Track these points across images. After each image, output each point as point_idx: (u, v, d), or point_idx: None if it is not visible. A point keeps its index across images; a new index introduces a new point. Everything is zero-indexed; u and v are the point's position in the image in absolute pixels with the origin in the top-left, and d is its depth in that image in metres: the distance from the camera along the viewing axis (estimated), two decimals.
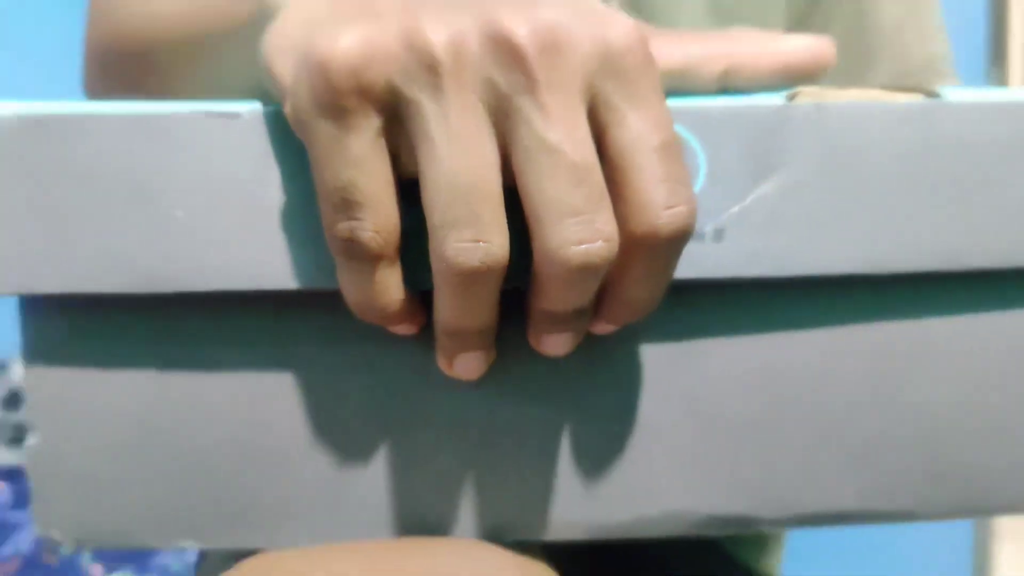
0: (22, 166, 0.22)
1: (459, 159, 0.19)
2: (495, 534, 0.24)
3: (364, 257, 0.20)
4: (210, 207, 0.22)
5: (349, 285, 0.21)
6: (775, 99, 0.23)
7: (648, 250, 0.20)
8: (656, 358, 0.24)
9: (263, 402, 0.24)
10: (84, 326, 0.23)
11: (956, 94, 0.23)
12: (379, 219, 0.20)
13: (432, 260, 0.20)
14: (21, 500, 1.62)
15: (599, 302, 0.21)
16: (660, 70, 0.23)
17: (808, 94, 0.23)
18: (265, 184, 0.22)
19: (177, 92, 0.34)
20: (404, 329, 0.22)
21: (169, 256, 0.22)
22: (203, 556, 0.46)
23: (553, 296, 0.20)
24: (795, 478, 0.24)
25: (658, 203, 0.19)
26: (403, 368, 0.24)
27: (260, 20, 0.24)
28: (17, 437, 1.88)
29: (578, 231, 0.19)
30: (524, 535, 0.25)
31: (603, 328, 0.22)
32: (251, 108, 0.22)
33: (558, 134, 0.19)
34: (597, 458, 0.24)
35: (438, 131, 0.19)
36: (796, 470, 0.24)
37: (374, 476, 0.24)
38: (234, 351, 0.23)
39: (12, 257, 0.22)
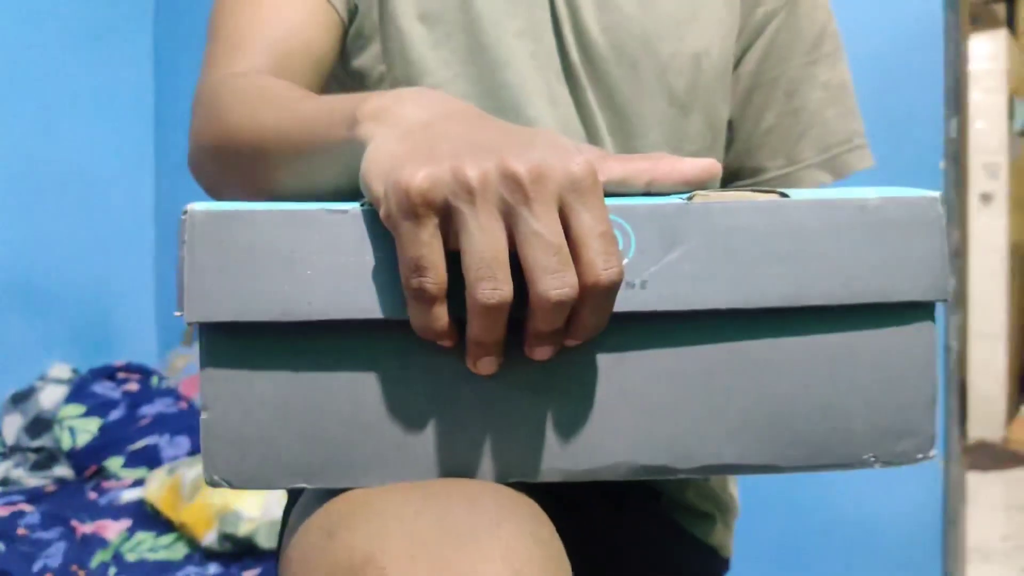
0: (210, 242, 0.35)
1: (484, 242, 0.32)
2: (502, 477, 0.37)
3: (426, 299, 0.33)
4: (326, 267, 0.35)
5: (415, 316, 0.34)
6: (679, 199, 0.36)
7: (594, 293, 0.33)
8: (604, 361, 0.37)
9: (357, 390, 0.37)
10: (242, 341, 0.36)
11: (799, 194, 0.37)
12: (436, 276, 0.33)
13: (467, 299, 0.33)
14: (47, 520, 1.71)
15: (567, 326, 0.35)
16: (608, 180, 0.36)
17: (701, 196, 0.37)
18: (360, 253, 0.35)
19: (277, 181, 0.48)
20: (447, 342, 0.35)
21: (300, 298, 0.35)
22: (292, 501, 0.58)
23: (540, 321, 0.34)
24: (696, 441, 0.38)
25: (599, 265, 0.33)
26: (445, 367, 0.37)
27: (350, 146, 0.38)
28: (40, 462, 1.97)
29: (554, 282, 0.32)
30: (521, 477, 0.38)
31: (571, 342, 0.35)
32: (353, 207, 0.35)
33: (541, 227, 0.32)
34: (567, 426, 0.37)
35: (472, 226, 0.32)
36: (693, 436, 0.38)
37: (426, 438, 0.37)
38: (339, 356, 0.37)
39: (199, 298, 0.35)
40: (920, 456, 0.38)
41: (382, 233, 0.35)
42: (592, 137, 0.65)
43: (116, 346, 2.19)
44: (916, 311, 0.38)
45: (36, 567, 1.56)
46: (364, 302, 0.35)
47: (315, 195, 0.43)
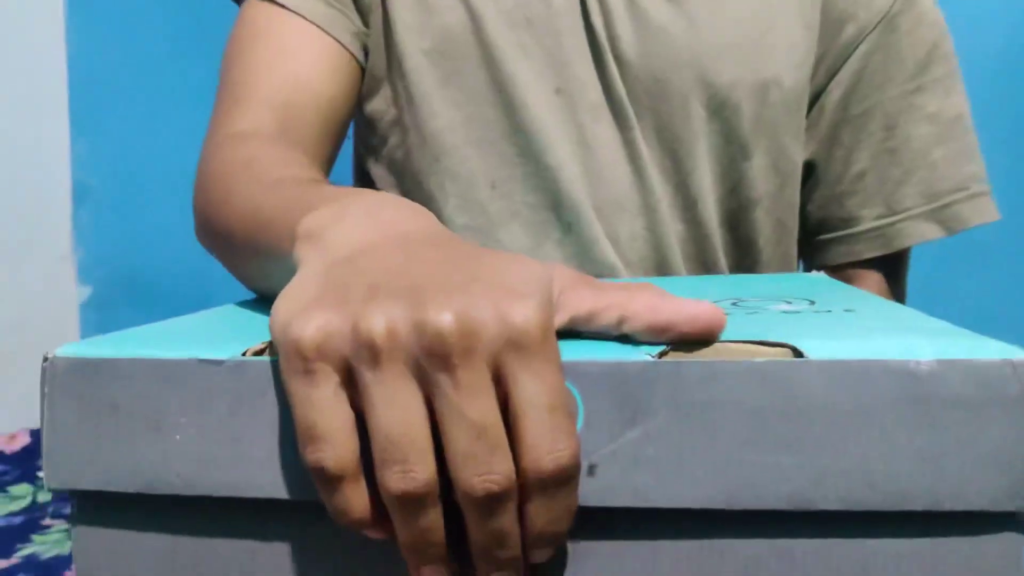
0: (71, 398, 0.29)
1: (390, 416, 0.25)
2: None
3: (330, 479, 0.26)
4: (197, 432, 0.28)
5: (324, 498, 0.26)
6: (646, 356, 0.27)
7: (539, 483, 0.25)
8: (550, 561, 0.28)
9: (243, 574, 0.30)
10: (115, 510, 0.30)
11: (822, 348, 0.27)
12: (337, 450, 0.25)
13: (379, 489, 0.25)
14: None
15: (523, 536, 0.26)
16: (575, 317, 0.28)
17: (677, 351, 0.27)
18: (240, 415, 0.28)
19: (250, 278, 0.43)
20: (376, 534, 0.27)
21: (169, 470, 0.29)
22: None
23: (474, 528, 0.26)
24: None
25: (542, 448, 0.25)
26: (346, 557, 0.29)
27: (293, 263, 0.31)
28: None
29: (477, 469, 0.24)
30: None
31: (533, 556, 0.27)
32: (232, 356, 0.29)
33: (463, 402, 0.24)
34: None
35: (376, 395, 0.25)
36: None
37: None
38: (221, 534, 0.30)
39: (63, 462, 0.29)
40: None
41: (272, 391, 0.28)
42: (642, 180, 0.57)
43: None
44: (987, 521, 0.27)
45: None
46: (241, 477, 0.28)
47: None
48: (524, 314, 0.25)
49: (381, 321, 0.25)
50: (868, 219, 0.61)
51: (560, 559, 0.28)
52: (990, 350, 0.26)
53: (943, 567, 0.27)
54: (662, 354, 0.27)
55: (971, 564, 0.27)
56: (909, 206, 0.60)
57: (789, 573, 0.27)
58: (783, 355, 0.27)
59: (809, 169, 0.63)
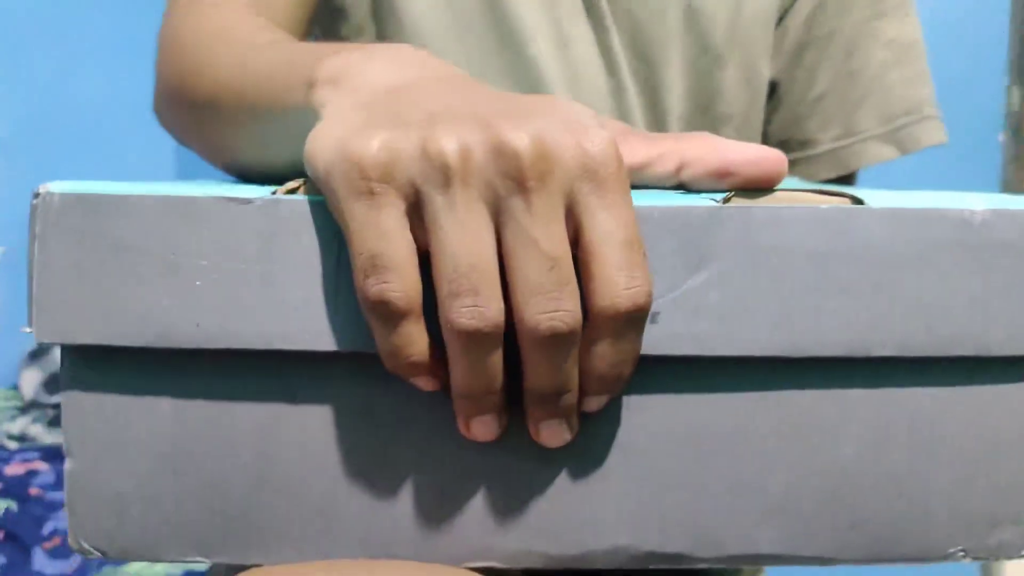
0: (68, 236, 0.26)
1: (461, 244, 0.23)
2: (461, 558, 0.28)
3: (392, 314, 0.24)
4: (223, 277, 0.26)
5: (381, 339, 0.25)
6: (709, 201, 0.26)
7: (611, 322, 0.24)
8: (602, 416, 0.27)
9: (265, 439, 0.28)
10: (115, 369, 0.28)
11: (879, 199, 0.27)
12: (404, 281, 0.24)
13: (441, 325, 0.24)
14: (62, 481, 1.67)
15: (581, 383, 0.25)
16: (629, 165, 0.27)
17: (742, 197, 0.27)
18: (272, 259, 0.26)
19: (233, 147, 0.39)
20: (427, 383, 0.26)
21: (187, 318, 0.26)
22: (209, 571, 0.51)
23: (534, 370, 0.24)
24: (719, 523, 0.28)
25: (618, 284, 0.23)
26: (385, 415, 0.28)
27: (303, 114, 0.29)
28: (58, 418, 1.95)
29: (545, 304, 0.23)
30: (486, 561, 0.28)
31: (588, 404, 0.26)
32: (262, 195, 0.26)
33: (537, 230, 0.23)
34: (554, 498, 0.28)
35: (446, 220, 0.23)
36: (720, 516, 0.28)
37: (358, 506, 0.28)
38: (241, 395, 0.28)
39: (56, 312, 0.26)
40: None
41: (310, 232, 0.26)
42: (617, 84, 0.56)
43: None
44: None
45: (46, 530, 1.53)
46: (271, 326, 0.26)
47: (273, 169, 0.34)
48: (600, 142, 0.24)
49: (454, 141, 0.23)
50: (826, 140, 0.62)
51: (614, 412, 0.27)
52: None
53: (990, 413, 0.28)
54: (725, 200, 0.26)
55: (1017, 410, 0.27)
56: (866, 127, 0.61)
57: (843, 422, 0.27)
58: (844, 203, 0.26)
59: (771, 89, 0.64)
